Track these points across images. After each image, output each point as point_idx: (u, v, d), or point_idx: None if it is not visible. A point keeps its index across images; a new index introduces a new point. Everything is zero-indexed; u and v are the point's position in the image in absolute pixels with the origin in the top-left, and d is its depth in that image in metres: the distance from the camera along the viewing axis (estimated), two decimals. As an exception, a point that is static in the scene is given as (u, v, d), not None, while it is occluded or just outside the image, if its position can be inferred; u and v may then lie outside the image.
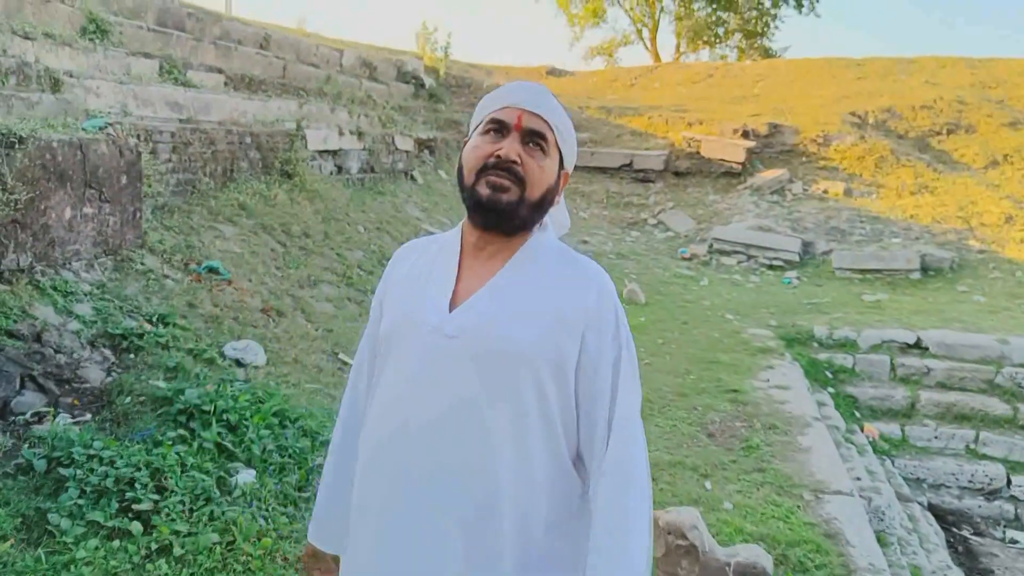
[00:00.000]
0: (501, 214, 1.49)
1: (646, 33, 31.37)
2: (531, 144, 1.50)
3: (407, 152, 11.07)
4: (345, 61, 12.64)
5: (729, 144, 14.19)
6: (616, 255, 11.40)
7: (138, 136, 5.96)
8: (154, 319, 5.11)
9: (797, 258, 11.39)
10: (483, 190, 1.49)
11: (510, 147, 1.48)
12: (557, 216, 1.66)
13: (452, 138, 13.29)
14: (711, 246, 11.95)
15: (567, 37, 78.05)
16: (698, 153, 14.34)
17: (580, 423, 1.51)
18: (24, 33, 5.71)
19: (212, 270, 5.98)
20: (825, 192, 13.27)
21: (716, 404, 6.04)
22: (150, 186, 6.12)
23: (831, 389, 7.31)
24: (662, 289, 9.96)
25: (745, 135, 14.51)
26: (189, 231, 6.34)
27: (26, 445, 3.62)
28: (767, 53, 29.56)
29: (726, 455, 5.17)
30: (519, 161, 1.48)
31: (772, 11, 30.60)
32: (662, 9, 30.88)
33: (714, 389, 6.38)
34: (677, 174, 14.30)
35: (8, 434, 3.75)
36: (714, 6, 30.58)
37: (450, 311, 1.50)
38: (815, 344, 7.95)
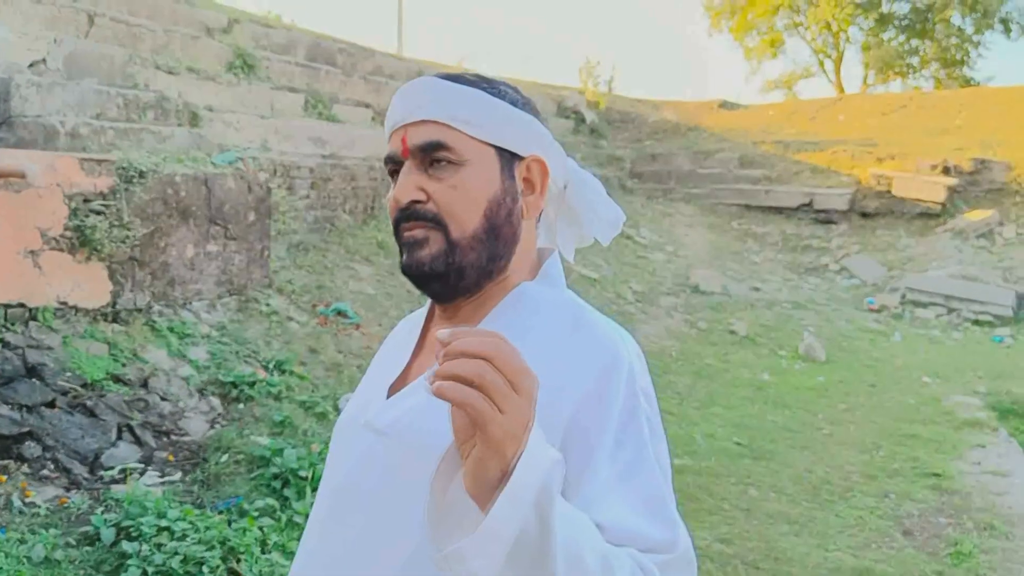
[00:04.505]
0: (435, 277, 1.04)
1: (829, 65, 29.53)
2: (433, 163, 1.03)
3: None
4: (503, 97, 12.33)
5: (926, 182, 12.72)
6: (792, 304, 10.30)
7: (274, 171, 5.73)
8: (270, 366, 4.76)
9: (1011, 312, 9.88)
10: (402, 257, 1.06)
11: (402, 185, 1.03)
12: (587, 214, 1.19)
13: (613, 175, 12.67)
14: (904, 296, 10.60)
15: (743, 71, 75.78)
16: (889, 192, 12.97)
17: None
18: (168, 68, 5.64)
19: (340, 313, 5.62)
20: (1045, 236, 11.55)
21: (913, 491, 4.98)
22: (285, 223, 5.88)
23: (1062, 476, 5.98)
24: (845, 345, 8.82)
25: (946, 171, 12.98)
26: (322, 270, 6.03)
27: (101, 509, 3.26)
28: (967, 83, 26.93)
29: (928, 562, 4.15)
30: (423, 197, 1.03)
31: (974, 37, 27.96)
32: (847, 39, 28.96)
33: (910, 471, 5.31)
34: (864, 215, 13.00)
35: (87, 493, 3.42)
36: (907, 34, 28.34)
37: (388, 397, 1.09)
38: (1038, 418, 6.63)
